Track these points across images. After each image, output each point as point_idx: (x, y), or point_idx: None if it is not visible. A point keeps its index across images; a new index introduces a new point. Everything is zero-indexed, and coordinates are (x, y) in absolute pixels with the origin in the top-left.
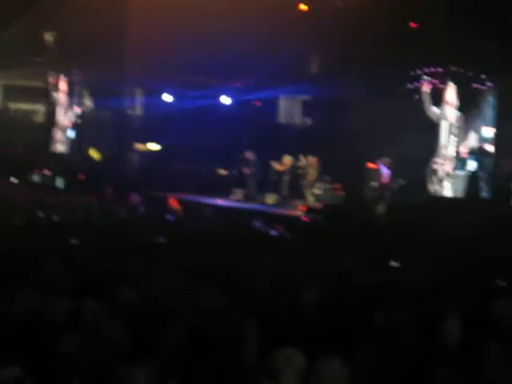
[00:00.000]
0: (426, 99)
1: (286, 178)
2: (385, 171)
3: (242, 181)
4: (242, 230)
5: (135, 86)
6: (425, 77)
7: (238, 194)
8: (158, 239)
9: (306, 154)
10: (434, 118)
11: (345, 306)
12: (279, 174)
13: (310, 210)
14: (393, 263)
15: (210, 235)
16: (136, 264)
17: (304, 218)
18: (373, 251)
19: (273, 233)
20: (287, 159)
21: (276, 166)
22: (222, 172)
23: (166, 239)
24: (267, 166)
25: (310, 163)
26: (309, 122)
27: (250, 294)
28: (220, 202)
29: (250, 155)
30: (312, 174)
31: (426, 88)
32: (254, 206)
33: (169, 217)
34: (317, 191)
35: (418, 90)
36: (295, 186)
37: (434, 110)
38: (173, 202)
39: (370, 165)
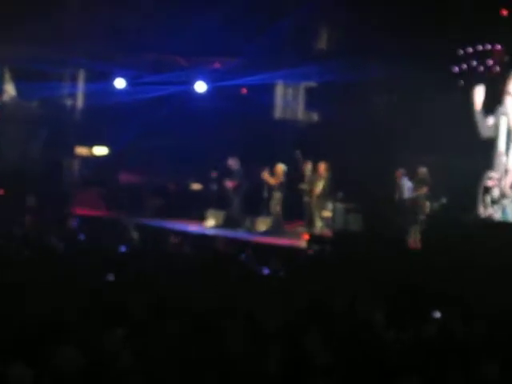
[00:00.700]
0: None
1: (278, 195)
2: (407, 185)
3: (223, 199)
4: (221, 266)
5: (75, 68)
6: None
7: (218, 216)
8: (105, 278)
9: (311, 161)
10: (486, 133)
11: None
12: (271, 188)
13: (315, 240)
14: (435, 314)
15: (178, 274)
16: (76, 314)
17: (308, 251)
18: (402, 296)
19: (265, 271)
20: (280, 168)
21: (267, 177)
22: (196, 187)
23: (116, 279)
24: (257, 178)
25: (317, 174)
26: (315, 116)
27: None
28: (192, 227)
29: (233, 163)
30: (320, 188)
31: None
32: (239, 233)
33: (122, 248)
34: (326, 213)
35: (466, 74)
36: (293, 206)
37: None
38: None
39: (399, 176)
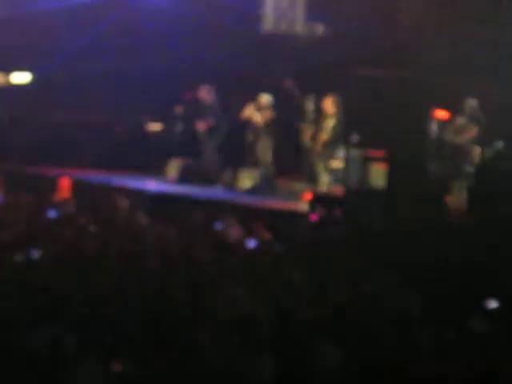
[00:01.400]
0: None
1: (267, 139)
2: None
3: (192, 144)
4: (191, 237)
5: None
6: None
7: (184, 168)
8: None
9: (313, 94)
10: None
11: None
12: (257, 129)
13: (320, 200)
14: (491, 304)
15: (127, 250)
16: None
17: (311, 216)
18: (442, 280)
19: (250, 243)
20: (266, 100)
21: (252, 114)
22: (154, 127)
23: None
24: (238, 115)
25: (322, 111)
26: (319, 29)
27: None
28: (151, 184)
29: (206, 95)
30: (326, 129)
31: None
32: (215, 191)
33: (51, 213)
34: (335, 163)
35: None
36: (288, 154)
37: None
38: (62, 185)
39: (440, 113)
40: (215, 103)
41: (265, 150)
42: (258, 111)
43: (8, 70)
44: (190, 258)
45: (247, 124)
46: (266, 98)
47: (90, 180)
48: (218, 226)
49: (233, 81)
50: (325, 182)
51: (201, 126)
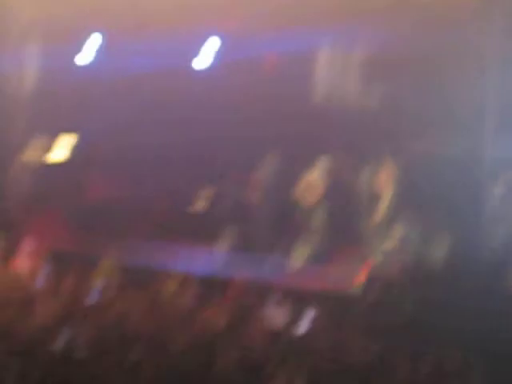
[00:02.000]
0: None
1: (320, 212)
2: None
3: (240, 217)
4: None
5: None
6: None
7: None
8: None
9: (370, 162)
10: None
11: None
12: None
13: (375, 280)
14: None
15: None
16: None
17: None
18: None
19: (300, 328)
20: (315, 176)
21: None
22: (198, 206)
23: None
24: (288, 189)
25: (381, 180)
26: (374, 99)
27: None
28: (197, 261)
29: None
30: (385, 200)
31: None
32: (264, 270)
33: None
34: (391, 243)
35: None
36: (344, 228)
37: None
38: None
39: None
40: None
41: (313, 223)
42: (309, 189)
43: (47, 145)
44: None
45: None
46: (316, 175)
47: (135, 259)
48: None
49: (287, 152)
50: (379, 259)
51: (251, 196)
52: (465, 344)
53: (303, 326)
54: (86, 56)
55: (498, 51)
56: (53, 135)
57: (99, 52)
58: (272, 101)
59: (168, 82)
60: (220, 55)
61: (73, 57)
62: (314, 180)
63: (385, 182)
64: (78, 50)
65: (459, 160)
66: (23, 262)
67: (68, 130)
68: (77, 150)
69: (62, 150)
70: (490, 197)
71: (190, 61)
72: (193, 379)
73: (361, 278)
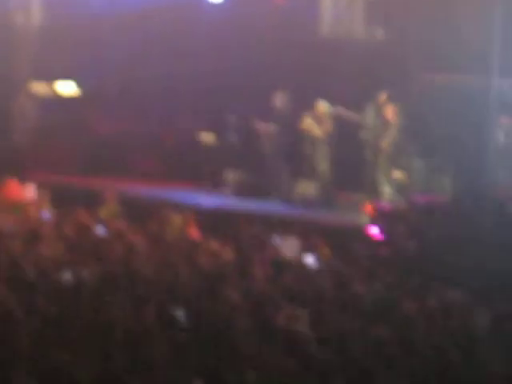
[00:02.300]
0: None
1: (325, 150)
2: None
3: (250, 157)
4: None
5: None
6: None
7: (240, 180)
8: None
9: (375, 102)
10: None
11: None
12: (315, 140)
13: (382, 215)
14: None
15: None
16: None
17: (372, 232)
18: None
19: (308, 260)
20: (324, 109)
21: (310, 125)
22: (208, 137)
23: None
24: (295, 124)
25: (385, 119)
26: (381, 33)
27: None
28: (206, 199)
29: (272, 104)
30: (389, 139)
31: None
32: (272, 205)
33: (99, 229)
34: (398, 174)
35: None
36: (348, 166)
37: None
38: (110, 199)
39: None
40: (282, 111)
41: (323, 161)
42: (316, 122)
43: (53, 79)
44: (247, 276)
45: (305, 135)
46: (324, 108)
47: (140, 194)
48: (276, 241)
49: (291, 87)
50: (387, 195)
51: (261, 136)
52: (468, 281)
53: (310, 259)
54: None
55: None
56: (59, 71)
57: None
58: (281, 31)
59: (179, 14)
60: None
61: None
62: (321, 114)
63: (389, 118)
64: None
65: (467, 92)
66: (31, 196)
67: (74, 65)
68: (83, 85)
69: (68, 85)
70: (496, 129)
71: None
72: (199, 311)
73: (368, 211)
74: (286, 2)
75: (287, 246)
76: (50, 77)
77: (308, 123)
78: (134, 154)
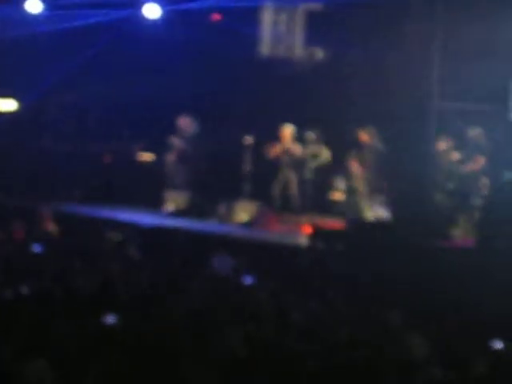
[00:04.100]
0: None
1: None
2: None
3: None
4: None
5: None
6: None
7: (177, 200)
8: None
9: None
10: None
11: None
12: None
13: (321, 234)
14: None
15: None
16: None
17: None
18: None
19: (246, 281)
20: (287, 130)
21: (274, 148)
22: (146, 157)
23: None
24: (236, 144)
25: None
26: (320, 53)
27: None
28: (144, 217)
29: (185, 124)
30: (322, 159)
31: None
32: (211, 226)
33: (36, 247)
34: (336, 194)
35: None
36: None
37: None
38: (47, 218)
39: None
40: (195, 132)
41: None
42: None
43: None
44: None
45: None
46: (290, 129)
47: (77, 212)
48: (213, 261)
49: (228, 109)
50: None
51: (170, 156)
52: (408, 302)
53: (248, 278)
54: (35, 6)
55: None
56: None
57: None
58: (218, 51)
59: (114, 31)
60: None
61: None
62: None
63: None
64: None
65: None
66: None
67: (14, 82)
68: (26, 103)
69: (7, 102)
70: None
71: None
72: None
73: (307, 230)
74: (223, 20)
75: (223, 264)
76: None
77: (282, 147)
78: (74, 173)
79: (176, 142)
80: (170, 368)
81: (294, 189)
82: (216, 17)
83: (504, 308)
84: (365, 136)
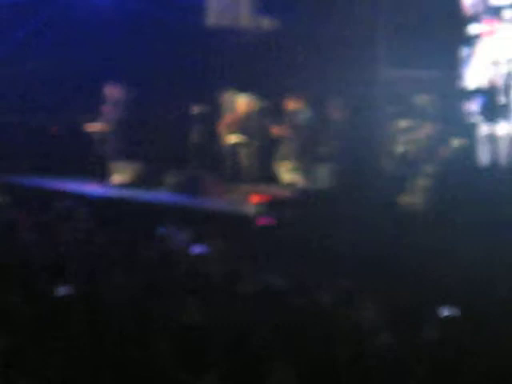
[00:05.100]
0: None
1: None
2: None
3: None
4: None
5: None
6: None
7: (128, 171)
8: None
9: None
10: None
11: None
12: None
13: (271, 203)
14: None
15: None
16: None
17: (262, 219)
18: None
19: (194, 250)
20: (243, 100)
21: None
22: (93, 128)
23: None
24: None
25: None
26: (268, 24)
27: None
28: (93, 187)
29: (112, 92)
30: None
31: None
32: (156, 195)
33: None
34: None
35: None
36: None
37: None
38: None
39: None
40: (121, 100)
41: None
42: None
43: None
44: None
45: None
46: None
47: (24, 183)
48: (163, 231)
49: (175, 80)
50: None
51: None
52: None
53: (198, 248)
54: None
55: None
56: None
57: None
58: (163, 26)
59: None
60: None
61: None
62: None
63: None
64: None
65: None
66: None
67: None
68: None
69: None
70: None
71: None
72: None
73: (255, 199)
74: None
75: (174, 236)
76: None
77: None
78: (22, 146)
79: (106, 110)
80: (122, 339)
81: (243, 159)
82: None
83: (456, 275)
84: (292, 104)
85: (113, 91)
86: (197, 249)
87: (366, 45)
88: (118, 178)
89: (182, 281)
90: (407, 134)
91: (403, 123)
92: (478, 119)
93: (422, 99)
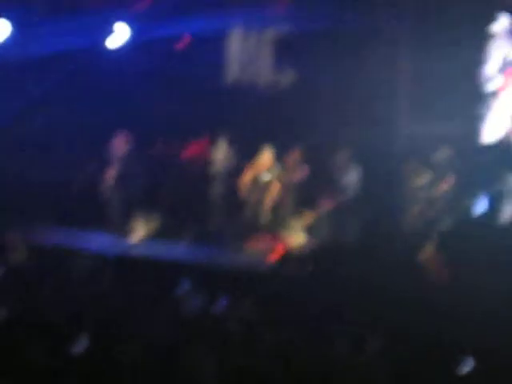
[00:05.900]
0: None
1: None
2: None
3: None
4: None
5: None
6: None
7: (148, 225)
8: None
9: (282, 147)
10: None
11: None
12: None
13: (290, 258)
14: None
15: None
16: None
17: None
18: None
19: (217, 308)
20: (267, 155)
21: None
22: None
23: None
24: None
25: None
26: (287, 78)
27: None
28: (112, 243)
29: (119, 145)
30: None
31: None
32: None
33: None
34: (306, 218)
35: None
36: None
37: None
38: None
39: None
40: (130, 150)
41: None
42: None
43: None
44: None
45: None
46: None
47: (47, 239)
48: (183, 289)
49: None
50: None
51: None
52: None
53: (217, 309)
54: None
55: (410, 36)
56: None
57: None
58: (184, 81)
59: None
60: (132, 35)
61: None
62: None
63: (291, 164)
64: None
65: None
66: None
67: None
68: None
69: None
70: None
71: (103, 40)
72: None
73: (276, 253)
74: (187, 47)
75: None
76: None
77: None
78: (44, 199)
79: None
80: None
81: (265, 207)
82: (181, 45)
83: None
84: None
85: (132, 145)
86: (217, 307)
87: (386, 100)
88: (138, 232)
89: (202, 339)
90: (428, 190)
91: (424, 178)
92: (497, 172)
93: (443, 154)
